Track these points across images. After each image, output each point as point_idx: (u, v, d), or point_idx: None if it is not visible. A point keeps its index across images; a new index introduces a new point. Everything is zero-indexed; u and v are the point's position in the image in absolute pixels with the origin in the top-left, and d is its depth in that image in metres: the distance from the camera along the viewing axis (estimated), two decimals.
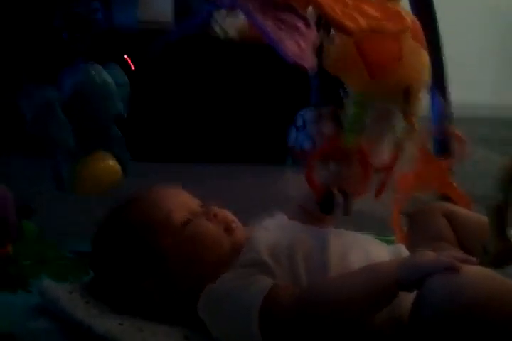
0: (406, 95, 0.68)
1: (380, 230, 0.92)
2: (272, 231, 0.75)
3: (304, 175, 0.73)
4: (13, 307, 0.74)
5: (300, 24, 0.54)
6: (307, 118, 0.68)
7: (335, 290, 0.64)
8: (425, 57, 0.69)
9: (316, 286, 0.65)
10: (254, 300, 0.63)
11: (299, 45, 0.52)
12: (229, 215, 0.74)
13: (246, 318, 0.62)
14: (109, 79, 0.70)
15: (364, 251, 0.70)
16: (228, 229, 0.72)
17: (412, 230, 0.81)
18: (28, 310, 0.71)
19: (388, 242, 0.80)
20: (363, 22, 0.55)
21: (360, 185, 0.75)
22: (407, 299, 0.62)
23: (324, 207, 0.74)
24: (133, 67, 0.80)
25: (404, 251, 0.72)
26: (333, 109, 0.68)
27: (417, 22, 0.66)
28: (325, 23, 0.59)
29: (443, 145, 1.00)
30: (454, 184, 0.92)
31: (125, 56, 1.67)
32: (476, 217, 0.77)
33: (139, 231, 0.70)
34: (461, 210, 0.81)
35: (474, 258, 0.55)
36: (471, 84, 2.91)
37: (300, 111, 0.68)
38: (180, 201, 0.73)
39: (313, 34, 0.55)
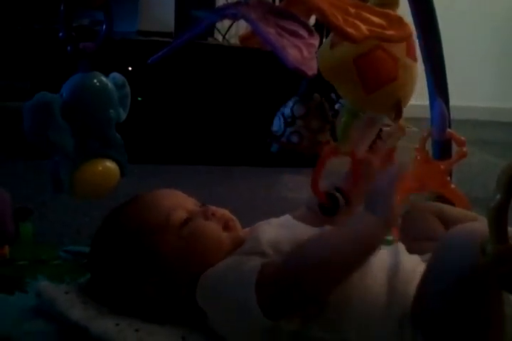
0: (397, 107, 0.70)
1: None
2: (275, 226, 0.75)
3: (300, 177, 0.73)
4: (9, 308, 0.74)
5: (302, 31, 0.55)
6: (296, 113, 0.69)
7: (317, 244, 0.64)
8: (416, 72, 0.72)
9: (299, 247, 0.65)
10: (248, 277, 0.63)
11: (301, 52, 0.52)
12: (227, 213, 0.74)
13: (243, 296, 0.62)
14: (109, 83, 0.70)
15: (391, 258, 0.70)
16: (227, 227, 0.72)
17: (404, 230, 0.81)
18: (24, 311, 0.71)
19: (387, 242, 0.79)
20: (365, 29, 0.55)
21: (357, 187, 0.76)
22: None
23: (327, 210, 0.74)
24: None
25: (402, 250, 0.72)
26: (320, 101, 0.69)
27: (411, 32, 0.67)
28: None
29: (442, 147, 1.00)
30: (453, 185, 0.92)
31: (129, 68, 1.68)
32: (466, 213, 0.77)
33: (137, 232, 0.70)
34: (452, 209, 0.81)
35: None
36: (471, 87, 2.92)
37: (289, 100, 0.69)
38: (177, 202, 0.73)
39: (315, 41, 0.55)
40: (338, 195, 0.74)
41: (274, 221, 0.78)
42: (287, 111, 0.68)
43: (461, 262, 0.57)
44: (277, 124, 0.69)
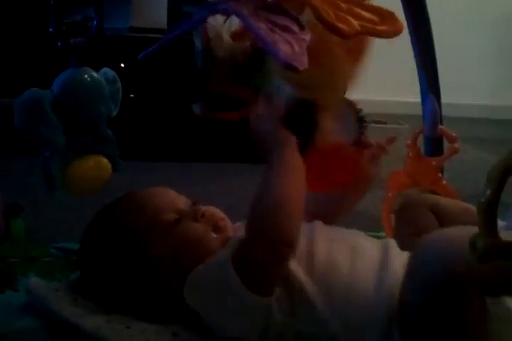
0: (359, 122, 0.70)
1: (372, 227, 0.92)
2: None
3: None
4: (0, 305, 0.74)
5: (293, 26, 0.55)
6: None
7: (259, 200, 0.66)
8: (347, 71, 0.71)
9: (249, 211, 0.66)
10: (225, 259, 0.64)
11: (292, 47, 0.52)
12: (217, 213, 0.74)
13: (224, 278, 0.63)
14: (100, 78, 0.70)
15: (350, 241, 0.70)
16: (216, 228, 0.71)
17: (399, 225, 0.81)
18: (15, 308, 0.71)
19: (379, 238, 0.79)
20: (356, 25, 0.55)
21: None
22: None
23: (299, 124, 0.68)
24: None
25: (393, 244, 0.72)
26: None
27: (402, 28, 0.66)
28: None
29: (434, 144, 1.01)
30: (444, 182, 0.92)
31: (121, 64, 1.68)
32: (462, 207, 0.77)
33: (126, 231, 0.70)
34: (446, 202, 0.80)
35: None
36: (465, 85, 2.93)
37: None
38: (167, 201, 0.73)
39: (306, 36, 0.55)
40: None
41: None
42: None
43: (434, 276, 0.57)
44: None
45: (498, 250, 0.43)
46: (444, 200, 0.80)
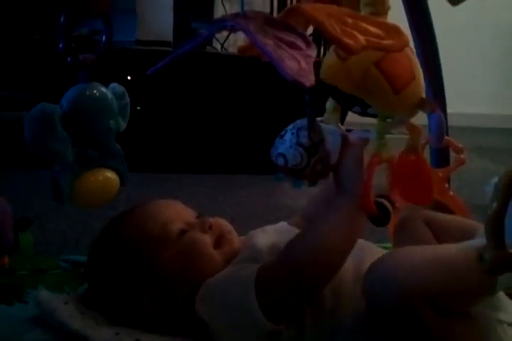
0: (420, 106, 0.70)
1: (380, 238, 0.92)
2: (271, 233, 0.75)
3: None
4: (9, 318, 0.74)
5: (300, 43, 0.55)
6: (316, 139, 0.67)
7: (307, 238, 0.65)
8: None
9: (290, 244, 0.65)
10: (247, 282, 0.63)
11: (298, 64, 0.52)
12: (225, 225, 0.74)
13: (244, 301, 0.63)
14: (108, 94, 0.71)
15: (360, 252, 0.71)
16: (223, 240, 0.72)
17: (396, 239, 0.81)
18: (24, 321, 0.71)
19: (386, 249, 0.79)
20: (363, 40, 0.56)
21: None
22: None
23: (379, 221, 0.70)
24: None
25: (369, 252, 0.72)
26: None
27: (408, 42, 0.68)
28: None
29: (440, 155, 1.01)
30: (451, 193, 0.91)
31: (128, 77, 1.69)
32: (457, 221, 0.78)
33: (134, 243, 0.70)
34: (442, 216, 0.81)
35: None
36: (470, 95, 2.93)
37: (293, 128, 0.68)
38: (175, 213, 0.73)
39: (313, 52, 0.55)
40: (386, 203, 0.70)
41: (269, 228, 0.78)
42: (305, 140, 0.66)
43: (384, 295, 0.59)
44: (296, 157, 0.67)
45: (506, 262, 0.43)
46: (441, 216, 0.81)
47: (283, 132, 0.69)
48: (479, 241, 0.62)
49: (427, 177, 0.77)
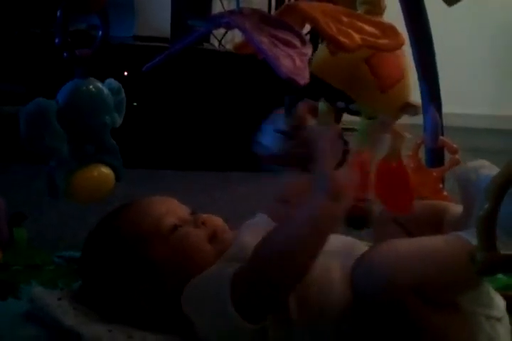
0: (404, 110, 0.70)
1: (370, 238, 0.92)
2: (256, 231, 0.75)
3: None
4: (2, 313, 0.74)
5: (295, 41, 0.55)
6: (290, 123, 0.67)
7: (276, 236, 0.64)
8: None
9: (260, 243, 0.65)
10: (224, 283, 0.64)
11: (293, 61, 0.53)
12: (218, 221, 0.74)
13: (220, 301, 0.63)
14: (104, 89, 0.71)
15: (348, 250, 0.71)
16: (216, 236, 0.72)
17: (375, 238, 0.82)
18: (17, 316, 0.71)
19: None
20: (358, 38, 0.56)
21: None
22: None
23: (356, 222, 0.70)
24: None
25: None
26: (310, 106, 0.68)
27: (404, 41, 0.68)
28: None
29: (435, 155, 1.01)
30: (445, 193, 0.92)
31: (124, 73, 1.69)
32: (424, 207, 0.78)
33: (127, 239, 0.70)
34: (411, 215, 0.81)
35: None
36: (466, 95, 2.94)
37: (271, 117, 0.68)
38: (168, 209, 0.73)
39: (308, 50, 0.56)
40: (367, 206, 0.69)
41: (253, 224, 0.77)
42: (280, 125, 0.67)
43: (374, 293, 0.60)
44: (273, 142, 0.66)
45: (497, 263, 0.43)
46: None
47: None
48: (465, 233, 0.63)
49: (407, 185, 0.75)
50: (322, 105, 0.73)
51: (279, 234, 0.65)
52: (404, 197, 0.75)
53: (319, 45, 0.69)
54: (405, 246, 0.64)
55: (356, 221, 0.68)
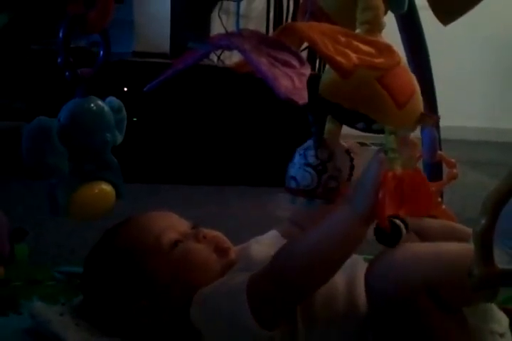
0: (421, 120, 0.70)
1: (371, 251, 0.92)
2: (265, 245, 0.75)
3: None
4: (3, 329, 0.74)
5: (294, 61, 0.56)
6: (322, 157, 0.68)
7: (298, 246, 0.64)
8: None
9: (281, 251, 0.65)
10: (239, 289, 0.64)
11: (292, 82, 0.53)
12: (219, 236, 0.75)
13: (236, 308, 0.63)
14: (105, 107, 0.72)
15: (353, 267, 0.71)
16: (219, 250, 0.72)
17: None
18: (18, 332, 0.71)
19: None
20: (355, 58, 0.56)
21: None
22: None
23: (385, 238, 0.67)
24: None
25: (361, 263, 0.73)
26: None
27: (400, 60, 0.68)
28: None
29: (433, 169, 1.02)
30: (444, 206, 0.92)
31: (124, 89, 1.70)
32: (442, 225, 0.78)
33: (128, 254, 0.71)
34: (428, 223, 0.80)
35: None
36: (463, 108, 2.95)
37: (301, 149, 0.68)
38: (169, 224, 0.74)
39: (307, 70, 0.56)
40: (399, 223, 0.66)
41: (262, 238, 0.78)
42: (312, 159, 0.67)
43: (388, 294, 0.60)
44: (306, 178, 0.67)
45: (493, 279, 0.44)
46: (427, 223, 0.81)
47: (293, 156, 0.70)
48: None
49: (427, 187, 0.75)
50: (329, 123, 0.73)
51: (302, 242, 0.65)
52: (425, 199, 0.75)
53: (322, 65, 0.70)
54: (422, 248, 0.64)
55: (388, 238, 0.66)
